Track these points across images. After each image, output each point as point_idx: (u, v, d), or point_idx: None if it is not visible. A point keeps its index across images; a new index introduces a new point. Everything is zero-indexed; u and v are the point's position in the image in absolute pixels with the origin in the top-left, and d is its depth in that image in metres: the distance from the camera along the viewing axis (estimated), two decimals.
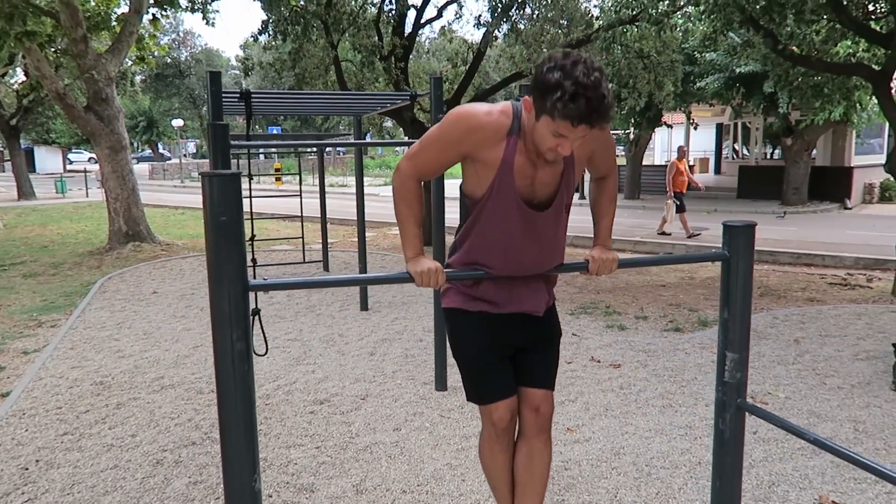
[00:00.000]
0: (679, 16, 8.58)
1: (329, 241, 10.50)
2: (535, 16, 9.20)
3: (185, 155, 45.49)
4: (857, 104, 13.46)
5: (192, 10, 13.45)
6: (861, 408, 4.19)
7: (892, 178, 17.80)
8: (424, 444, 3.80)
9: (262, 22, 9.68)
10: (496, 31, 9.23)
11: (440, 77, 4.37)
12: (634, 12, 8.15)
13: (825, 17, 7.15)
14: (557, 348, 2.29)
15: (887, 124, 18.02)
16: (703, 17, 7.36)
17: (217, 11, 13.37)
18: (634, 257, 1.99)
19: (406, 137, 10.87)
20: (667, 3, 6.92)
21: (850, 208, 16.60)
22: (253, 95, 4.34)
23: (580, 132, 1.77)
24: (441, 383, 4.65)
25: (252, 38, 10.12)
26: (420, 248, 1.99)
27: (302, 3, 9.67)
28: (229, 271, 1.50)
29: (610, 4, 11.19)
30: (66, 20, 10.39)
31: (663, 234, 12.55)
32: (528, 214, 1.98)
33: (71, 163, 49.77)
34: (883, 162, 18.51)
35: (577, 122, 1.73)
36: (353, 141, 3.86)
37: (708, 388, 4.58)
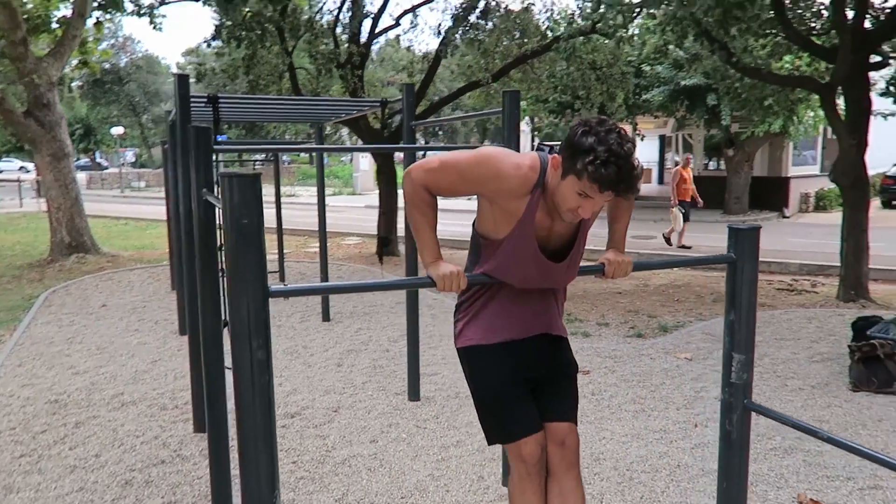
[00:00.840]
0: (636, 28, 8.81)
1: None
2: (490, 26, 9.28)
3: (123, 164, 43.94)
4: (795, 117, 14.08)
5: (139, 15, 13.06)
6: (823, 408, 4.35)
7: (825, 189, 18.68)
8: (403, 456, 3.74)
9: (216, 27, 9.47)
10: (456, 40, 9.27)
11: (412, 84, 4.35)
12: (594, 22, 8.32)
13: (773, 31, 7.46)
14: (576, 381, 2.26)
15: (819, 137, 18.94)
16: (657, 29, 7.57)
17: (164, 16, 13.00)
18: (647, 261, 2.00)
19: (361, 144, 10.79)
20: (623, 14, 7.08)
21: (788, 217, 17.31)
22: (221, 100, 4.22)
23: (604, 198, 1.80)
24: (414, 394, 4.59)
25: (205, 44, 9.89)
26: (439, 253, 1.95)
27: (253, 9, 9.51)
28: (250, 276, 1.43)
29: (563, 16, 11.42)
30: (4, 22, 9.93)
31: (683, 247, 11.98)
32: (544, 265, 1.99)
33: (0, 171, 47.47)
34: (816, 172, 19.45)
35: (604, 188, 1.76)
36: (348, 146, 3.79)
37: (676, 392, 4.66)
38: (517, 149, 3.20)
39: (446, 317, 6.99)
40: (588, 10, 8.54)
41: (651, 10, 6.68)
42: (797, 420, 1.82)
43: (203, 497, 3.30)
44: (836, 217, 16.33)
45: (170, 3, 12.57)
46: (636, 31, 8.83)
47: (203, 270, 2.69)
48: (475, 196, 2.03)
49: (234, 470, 3.35)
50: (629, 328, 6.48)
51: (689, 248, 11.88)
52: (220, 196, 1.64)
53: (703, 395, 4.61)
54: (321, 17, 10.20)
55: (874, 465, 3.50)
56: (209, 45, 9.91)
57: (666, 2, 6.34)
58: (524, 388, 2.14)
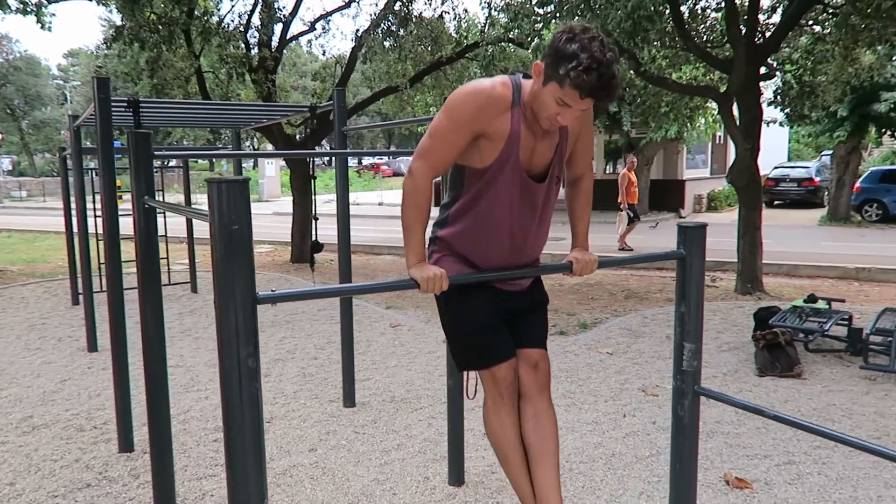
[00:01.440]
0: (550, 36, 9.15)
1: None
2: (405, 33, 9.35)
3: None
4: (689, 124, 14.99)
5: (24, 13, 12.21)
6: (735, 392, 4.67)
7: (716, 190, 19.99)
8: (345, 462, 3.71)
9: (117, 28, 8.99)
10: (375, 45, 9.26)
11: (343, 90, 4.33)
12: (508, 31, 8.56)
13: (675, 43, 7.95)
14: (546, 313, 2.33)
15: (709, 143, 20.26)
16: None
17: (54, 15, 12.23)
18: (611, 258, 2.10)
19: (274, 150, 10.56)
20: (538, 23, 7.34)
21: (684, 217, 18.39)
22: (142, 104, 4.04)
23: (584, 105, 1.86)
24: (349, 400, 4.56)
25: (104, 45, 9.36)
26: (424, 254, 1.97)
27: (158, 11, 9.12)
28: (239, 283, 1.41)
29: (474, 25, 11.65)
30: None
31: (625, 248, 12.34)
32: (529, 185, 2.04)
33: None
34: (707, 175, 20.78)
35: (585, 94, 1.81)
36: (317, 152, 3.66)
37: (602, 385, 4.88)
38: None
39: (369, 322, 6.97)
40: (504, 20, 8.77)
41: (565, 21, 6.96)
42: (744, 401, 1.98)
43: None
44: (726, 217, 17.55)
45: (60, 1, 11.85)
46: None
47: (145, 281, 2.58)
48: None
49: (178, 487, 3.23)
50: (552, 326, 6.69)
51: (632, 249, 12.18)
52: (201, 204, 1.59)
53: (627, 386, 4.84)
54: (232, 21, 9.90)
55: (788, 443, 3.82)
56: (109, 47, 9.40)
57: (579, 13, 6.63)
58: (499, 317, 2.19)
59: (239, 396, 1.44)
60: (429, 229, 2.12)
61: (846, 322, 5.56)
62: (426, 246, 2.11)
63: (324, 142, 13.23)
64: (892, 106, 14.79)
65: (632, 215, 12.21)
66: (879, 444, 1.70)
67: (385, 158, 46.43)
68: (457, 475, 3.41)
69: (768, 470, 3.50)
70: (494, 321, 2.17)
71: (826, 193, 18.50)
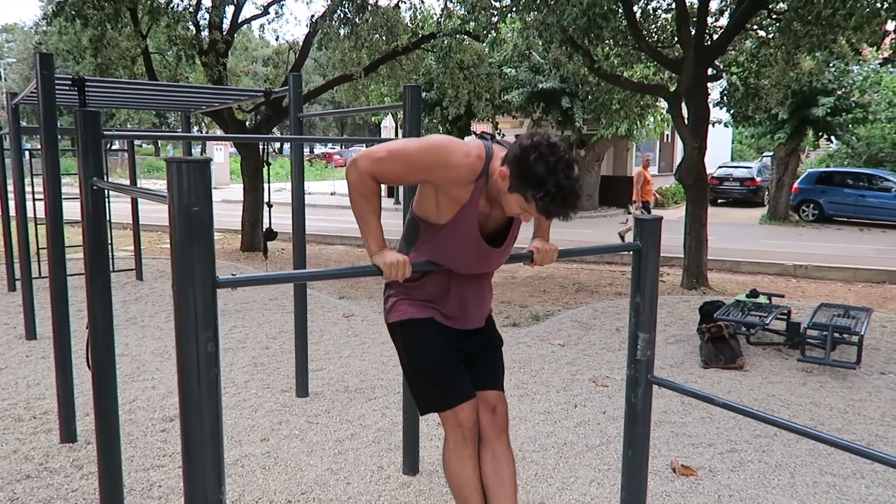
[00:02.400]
0: (508, 31, 9.18)
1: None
2: (364, 21, 9.25)
3: None
4: (638, 122, 15.31)
5: None
6: (682, 383, 4.80)
7: (664, 187, 20.46)
8: (298, 452, 3.67)
9: (58, 3, 8.61)
10: (329, 33, 9.13)
11: (300, 75, 4.26)
12: (469, 24, 8.57)
13: (626, 42, 8.10)
14: (502, 354, 2.36)
15: (658, 141, 20.73)
16: (523, 34, 7.95)
17: None
18: (569, 248, 2.13)
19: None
20: (493, 16, 7.38)
21: (633, 213, 18.77)
22: (87, 83, 3.89)
23: (546, 219, 1.95)
24: (302, 390, 4.51)
25: (45, 21, 8.96)
26: (384, 241, 1.95)
27: None
28: (199, 266, 1.38)
29: (429, 16, 11.60)
30: None
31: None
32: (483, 248, 2.07)
33: None
34: (655, 173, 21.24)
35: (550, 217, 1.90)
36: (293, 136, 3.55)
37: (554, 376, 4.95)
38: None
39: (322, 312, 6.90)
40: (461, 12, 8.77)
41: (521, 15, 7.01)
42: (694, 389, 2.05)
43: None
44: (673, 213, 17.99)
45: None
46: (508, 34, 9.20)
47: (93, 266, 2.49)
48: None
49: (125, 479, 3.14)
50: (504, 318, 6.77)
51: None
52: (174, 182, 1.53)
53: (578, 377, 4.93)
54: (181, 1, 9.60)
55: (730, 433, 3.96)
56: (49, 23, 9.00)
57: (535, 8, 6.68)
58: (458, 357, 2.21)
59: (197, 382, 1.41)
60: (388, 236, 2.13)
61: (785, 316, 5.79)
62: (383, 293, 2.12)
63: (275, 129, 13.00)
64: (828, 110, 15.43)
65: (644, 213, 11.82)
66: (811, 428, 1.78)
67: (337, 148, 45.88)
68: (411, 464, 3.42)
69: (712, 458, 3.62)
70: (454, 359, 2.20)
71: (766, 193, 19.19)
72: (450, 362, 2.18)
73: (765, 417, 1.84)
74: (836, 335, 5.21)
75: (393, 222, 4.55)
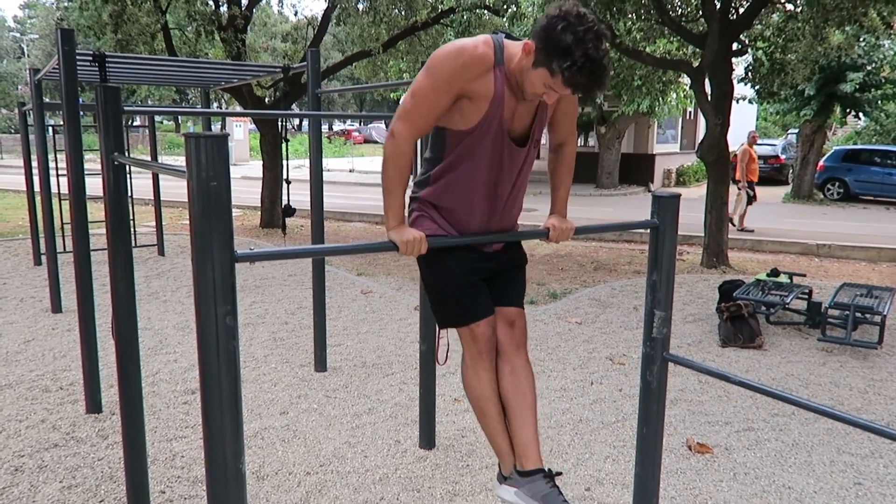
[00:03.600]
0: (530, 5, 9.05)
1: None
2: None
3: None
4: (661, 98, 15.07)
5: None
6: (699, 362, 4.79)
7: (685, 165, 20.21)
8: (316, 426, 3.73)
9: None
10: (348, 8, 9.07)
11: (317, 50, 4.25)
12: None
13: (649, 16, 7.95)
14: (524, 273, 2.35)
15: (680, 118, 20.41)
16: (543, 8, 7.82)
17: None
18: (587, 225, 2.12)
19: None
20: None
21: (653, 191, 18.58)
22: (108, 59, 3.91)
23: (574, 95, 1.88)
24: (321, 364, 4.57)
25: None
26: (403, 217, 1.96)
27: None
28: (217, 240, 1.39)
29: None
30: None
31: (745, 229, 11.09)
32: (510, 149, 2.04)
33: None
34: (676, 150, 20.98)
35: (577, 91, 1.82)
36: (311, 112, 3.56)
37: (571, 354, 4.96)
38: None
39: (340, 288, 6.96)
40: None
41: None
42: (710, 367, 2.04)
43: (107, 478, 3.14)
44: (694, 192, 17.77)
45: None
46: (528, 9, 9.07)
47: (115, 241, 2.53)
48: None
49: (148, 448, 3.22)
50: None
51: (752, 231, 11.05)
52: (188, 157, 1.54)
53: (594, 355, 4.94)
54: None
55: (747, 411, 3.95)
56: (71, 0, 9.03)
57: None
58: (478, 275, 2.19)
59: (216, 354, 1.44)
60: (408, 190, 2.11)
61: (806, 296, 5.72)
62: (407, 207, 2.10)
63: (293, 106, 13.00)
64: (857, 86, 15.07)
65: (751, 194, 11.11)
66: (830, 407, 1.77)
67: (356, 124, 45.82)
68: (427, 439, 3.46)
69: (728, 436, 3.62)
70: (474, 279, 2.18)
71: (791, 171, 18.87)
72: (468, 282, 2.16)
73: (781, 395, 1.83)
74: (858, 315, 5.15)
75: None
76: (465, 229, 2.14)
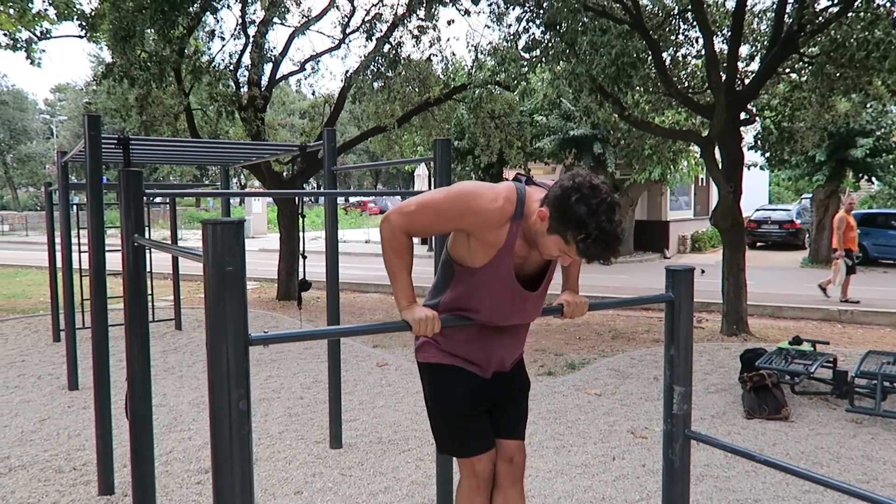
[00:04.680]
0: (539, 81, 9.33)
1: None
2: (396, 74, 9.51)
3: None
4: (672, 166, 15.25)
5: (14, 49, 12.29)
6: (724, 435, 4.66)
7: (700, 231, 20.21)
8: None
9: (107, 65, 9.06)
10: (363, 87, 9.40)
11: (334, 130, 4.38)
12: (500, 75, 8.75)
13: (656, 89, 8.15)
14: (527, 401, 2.36)
15: (692, 184, 20.56)
16: (553, 83, 8.06)
17: (44, 51, 12.31)
18: (600, 301, 2.12)
19: (260, 187, 10.61)
20: (525, 67, 7.52)
21: (669, 258, 18.55)
22: (132, 142, 4.05)
23: (587, 261, 1.93)
24: (336, 441, 4.50)
25: (94, 81, 9.42)
26: (413, 297, 1.97)
27: (150, 49, 9.23)
28: (231, 324, 1.41)
29: (461, 67, 11.87)
30: None
31: (848, 300, 10.46)
32: (519, 292, 2.06)
33: None
34: (690, 217, 21.04)
35: (591, 261, 1.88)
36: (324, 191, 3.67)
37: (591, 427, 4.85)
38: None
39: (356, 361, 6.91)
40: (491, 64, 8.95)
41: (551, 66, 7.13)
42: (735, 445, 1.98)
43: None
44: (710, 257, 17.72)
45: (51, 38, 11.97)
46: (538, 84, 9.35)
47: (132, 319, 2.56)
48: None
49: None
50: (539, 366, 6.68)
51: (858, 302, 10.43)
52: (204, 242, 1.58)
53: (615, 428, 4.81)
54: (222, 60, 10.03)
55: (777, 487, 3.80)
56: (99, 84, 9.45)
57: (565, 59, 6.78)
58: (482, 406, 2.21)
59: (229, 439, 1.43)
60: (417, 283, 2.13)
61: (831, 364, 5.59)
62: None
63: (311, 179, 13.31)
64: (867, 151, 15.16)
65: (850, 263, 10.47)
66: (867, 490, 1.71)
67: (371, 196, 46.60)
68: None
69: None
70: (478, 409, 2.21)
71: (807, 235, 18.79)
72: (472, 413, 2.20)
73: (810, 476, 1.78)
74: (887, 384, 5.01)
75: (426, 269, 4.58)
76: (470, 360, 2.19)
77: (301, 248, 4.71)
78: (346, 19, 10.90)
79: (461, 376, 2.18)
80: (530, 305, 2.13)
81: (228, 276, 1.40)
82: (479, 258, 2.01)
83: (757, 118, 9.45)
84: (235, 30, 10.31)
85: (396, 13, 10.00)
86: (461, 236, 2.05)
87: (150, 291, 9.00)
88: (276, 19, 9.92)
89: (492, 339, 2.16)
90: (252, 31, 10.09)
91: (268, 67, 10.58)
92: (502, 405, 2.27)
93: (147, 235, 5.28)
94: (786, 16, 7.26)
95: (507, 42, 8.53)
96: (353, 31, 10.90)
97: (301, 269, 4.85)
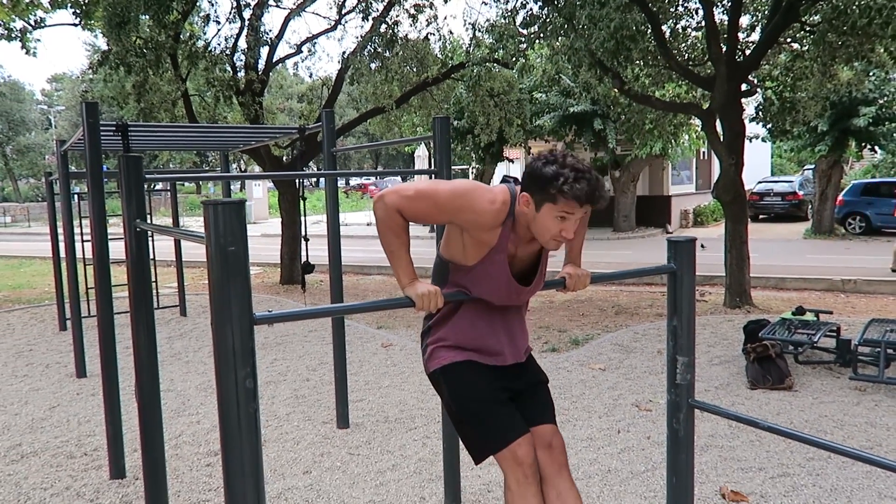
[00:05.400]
0: (537, 58, 9.24)
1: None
2: (394, 54, 9.45)
3: None
4: (672, 140, 15.16)
5: (9, 39, 12.22)
6: (728, 405, 4.69)
7: (702, 205, 20.16)
8: (341, 484, 3.68)
9: (102, 53, 9.01)
10: (361, 68, 9.34)
11: (332, 111, 4.36)
12: (498, 52, 8.69)
13: (656, 62, 8.08)
14: (549, 391, 2.31)
15: (693, 158, 20.46)
16: (552, 59, 8.00)
17: (39, 40, 12.22)
18: (602, 273, 2.13)
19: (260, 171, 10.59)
20: (523, 44, 7.45)
21: (671, 232, 18.52)
22: (130, 128, 4.04)
23: (582, 212, 1.94)
24: (343, 420, 4.54)
25: (91, 70, 9.37)
26: (414, 273, 1.98)
27: (145, 36, 9.17)
28: (236, 304, 1.41)
29: (459, 46, 11.77)
30: None
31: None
32: (513, 286, 2.09)
33: None
34: (692, 191, 20.97)
35: (582, 202, 1.89)
36: (324, 172, 3.66)
37: (596, 402, 4.88)
38: (436, 174, 3.31)
39: (360, 342, 6.95)
40: (489, 41, 8.88)
41: (549, 41, 7.07)
42: (738, 413, 2.00)
43: None
44: (713, 231, 17.69)
45: (46, 27, 11.88)
46: (537, 60, 9.26)
47: (137, 304, 2.57)
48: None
49: None
50: (543, 343, 6.71)
51: None
52: (204, 223, 1.58)
53: (620, 402, 4.85)
54: (218, 44, 9.96)
55: (781, 456, 3.83)
56: (95, 72, 9.40)
57: (563, 33, 6.72)
58: (504, 395, 2.17)
59: (237, 418, 1.44)
60: (419, 264, 2.13)
61: (834, 333, 5.61)
62: (421, 344, 2.17)
63: (311, 163, 13.28)
64: (870, 120, 15.04)
65: None
66: (872, 454, 1.72)
67: (372, 179, 46.52)
68: (453, 495, 3.39)
69: (763, 483, 3.51)
70: (501, 396, 2.15)
71: (810, 207, 18.72)
72: (498, 399, 2.12)
73: (814, 441, 1.79)
74: (890, 351, 5.02)
75: (428, 250, 4.59)
76: (481, 348, 2.19)
77: (303, 231, 4.71)
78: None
79: (477, 368, 2.15)
80: (525, 296, 2.16)
81: (231, 256, 1.40)
82: (473, 256, 2.05)
83: (758, 89, 9.39)
84: (230, 13, 10.23)
85: None
86: (455, 234, 2.07)
87: (154, 278, 9.06)
88: (271, 1, 9.85)
89: (494, 317, 2.16)
90: (247, 13, 10.00)
91: (264, 51, 10.51)
92: (525, 395, 2.21)
93: (150, 222, 5.28)
94: None
95: (504, 18, 8.46)
96: (349, 12, 10.81)
97: (304, 252, 4.85)
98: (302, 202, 4.62)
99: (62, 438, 4.51)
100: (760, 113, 9.73)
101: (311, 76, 12.12)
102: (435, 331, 2.21)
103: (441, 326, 2.20)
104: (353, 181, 46.87)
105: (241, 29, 10.06)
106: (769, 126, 10.18)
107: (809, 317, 5.91)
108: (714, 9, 7.55)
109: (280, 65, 12.15)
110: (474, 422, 2.14)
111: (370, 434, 4.40)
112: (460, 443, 3.49)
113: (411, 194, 1.97)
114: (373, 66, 9.58)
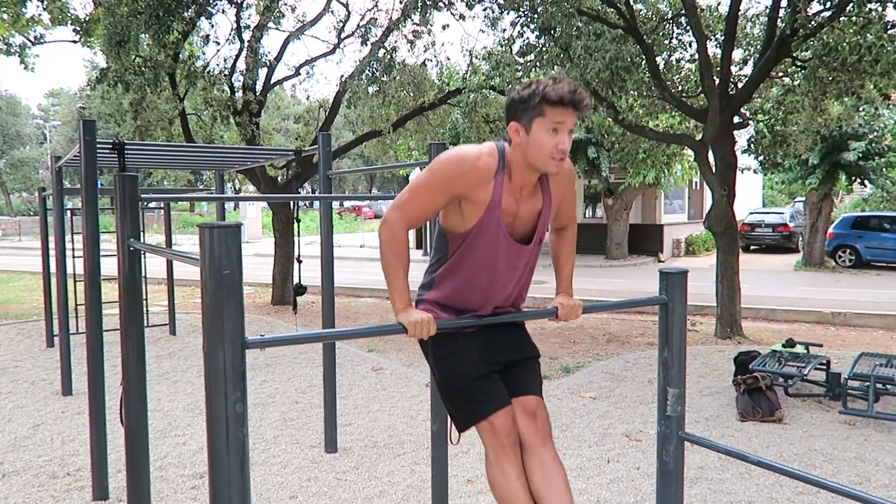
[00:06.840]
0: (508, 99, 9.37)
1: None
2: (391, 79, 9.54)
3: None
4: (666, 170, 15.28)
5: (8, 54, 12.28)
6: (718, 437, 4.68)
7: (694, 235, 20.27)
8: None
9: (101, 70, 9.05)
10: (358, 91, 9.42)
11: (328, 134, 4.39)
12: (494, 79, 8.78)
13: (650, 93, 8.19)
14: (539, 365, 2.30)
15: (686, 188, 20.63)
16: None
17: (37, 56, 12.28)
18: (594, 304, 2.14)
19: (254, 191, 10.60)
20: (520, 72, 7.55)
21: (663, 261, 18.59)
22: (127, 147, 4.06)
23: (571, 116, 1.96)
24: (331, 445, 4.49)
25: (88, 86, 9.41)
26: (409, 299, 1.98)
27: (144, 55, 9.23)
28: (228, 327, 1.41)
29: (455, 72, 11.89)
30: None
31: None
32: (513, 247, 2.09)
33: None
34: (684, 220, 21.11)
35: (567, 102, 1.93)
36: (321, 195, 3.68)
37: (586, 431, 4.86)
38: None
39: (351, 365, 6.91)
40: (486, 68, 8.99)
41: (545, 70, 7.17)
42: (728, 447, 2.00)
43: None
44: (704, 261, 17.77)
45: (45, 43, 11.96)
46: None
47: (128, 324, 2.56)
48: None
49: None
50: None
51: None
52: (200, 245, 1.58)
53: (610, 431, 4.83)
54: (217, 65, 10.03)
55: (771, 489, 3.82)
56: (93, 89, 9.44)
57: (559, 63, 6.82)
58: (489, 368, 2.15)
59: (226, 441, 1.43)
60: (414, 288, 2.12)
61: (824, 367, 5.62)
62: (410, 298, 2.12)
63: (306, 183, 13.31)
64: (860, 155, 15.24)
65: None
66: (860, 490, 1.72)
67: (366, 201, 46.62)
68: None
69: None
70: (486, 370, 2.15)
71: (800, 239, 18.86)
72: (481, 372, 2.13)
73: (803, 476, 1.79)
74: (879, 386, 5.04)
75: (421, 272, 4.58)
76: (465, 306, 2.17)
77: (296, 253, 4.71)
78: (342, 24, 10.94)
79: (463, 339, 2.15)
80: (523, 260, 2.14)
81: (225, 280, 1.41)
82: (471, 218, 2.05)
83: (750, 122, 9.51)
84: (230, 35, 10.32)
85: (391, 18, 10.03)
86: (452, 204, 2.08)
87: (144, 297, 8.99)
88: (270, 24, 9.93)
89: (491, 304, 2.15)
90: (247, 35, 10.09)
91: (262, 72, 10.58)
92: (513, 368, 2.20)
93: (142, 240, 5.26)
94: (779, 20, 7.31)
95: (501, 46, 8.56)
96: (348, 36, 10.93)
97: (296, 273, 4.85)
98: (296, 223, 4.63)
99: (45, 457, 4.45)
100: (752, 145, 9.85)
101: (308, 98, 12.20)
102: (429, 300, 2.20)
103: (435, 297, 2.19)
104: (348, 203, 46.94)
105: (241, 50, 10.14)
106: (761, 158, 10.30)
107: (799, 349, 5.92)
108: (707, 42, 7.68)
109: (278, 86, 12.23)
110: (455, 392, 2.17)
111: (358, 459, 4.36)
112: (449, 469, 3.46)
113: (407, 197, 2.03)
114: (370, 89, 9.66)
